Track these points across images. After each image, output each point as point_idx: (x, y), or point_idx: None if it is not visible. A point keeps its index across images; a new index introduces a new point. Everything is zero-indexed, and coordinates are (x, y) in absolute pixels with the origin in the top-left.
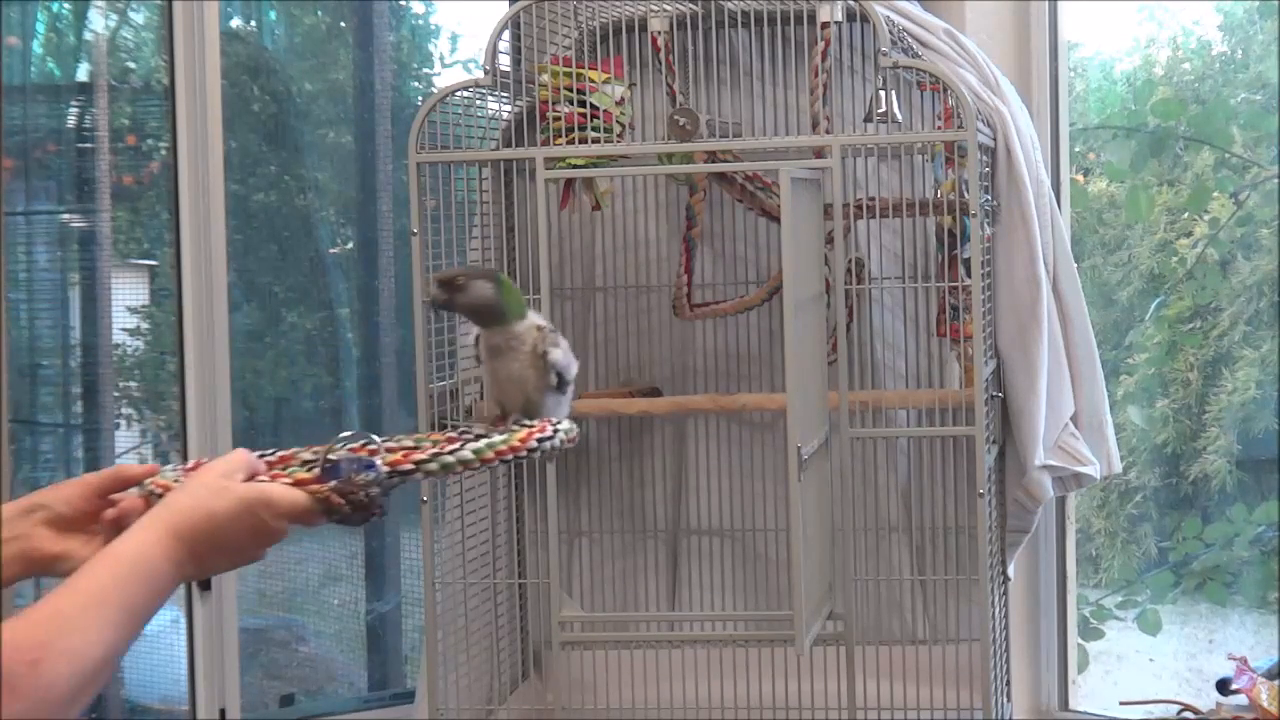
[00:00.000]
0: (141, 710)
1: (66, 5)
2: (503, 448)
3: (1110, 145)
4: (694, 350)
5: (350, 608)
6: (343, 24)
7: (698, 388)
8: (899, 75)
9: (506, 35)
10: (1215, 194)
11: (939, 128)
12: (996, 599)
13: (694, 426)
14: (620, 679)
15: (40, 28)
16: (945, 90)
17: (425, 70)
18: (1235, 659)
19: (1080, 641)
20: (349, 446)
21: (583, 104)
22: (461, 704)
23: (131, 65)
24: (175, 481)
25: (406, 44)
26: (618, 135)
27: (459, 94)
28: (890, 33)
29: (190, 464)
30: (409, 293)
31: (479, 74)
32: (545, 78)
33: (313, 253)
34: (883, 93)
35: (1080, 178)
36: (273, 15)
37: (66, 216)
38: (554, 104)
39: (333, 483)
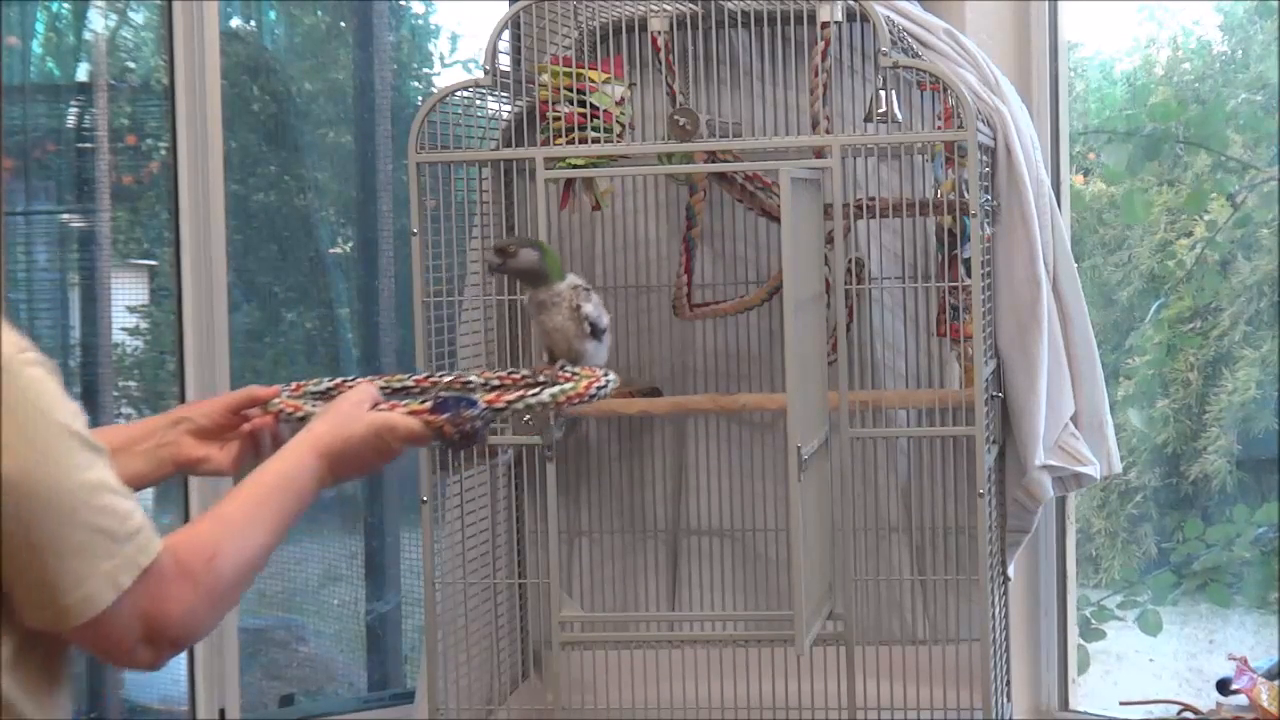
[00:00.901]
0: (141, 710)
1: (66, 5)
2: (571, 393)
3: (1108, 148)
4: (694, 350)
5: (350, 608)
6: (343, 24)
7: (698, 388)
8: (899, 75)
9: (506, 35)
10: (1214, 195)
11: (939, 128)
12: (996, 599)
13: (694, 426)
14: (620, 679)
15: (40, 27)
16: (945, 90)
17: (425, 70)
18: (1235, 659)
19: (1081, 642)
20: (446, 380)
21: (583, 104)
22: (461, 704)
23: (131, 65)
24: (304, 402)
25: (406, 44)
26: (618, 135)
27: (459, 94)
28: (890, 33)
29: (293, 386)
30: (409, 293)
31: (479, 74)
32: (545, 78)
33: (313, 253)
34: (883, 93)
35: (1080, 178)
36: (273, 15)
37: (66, 216)
38: (554, 104)
39: (446, 415)
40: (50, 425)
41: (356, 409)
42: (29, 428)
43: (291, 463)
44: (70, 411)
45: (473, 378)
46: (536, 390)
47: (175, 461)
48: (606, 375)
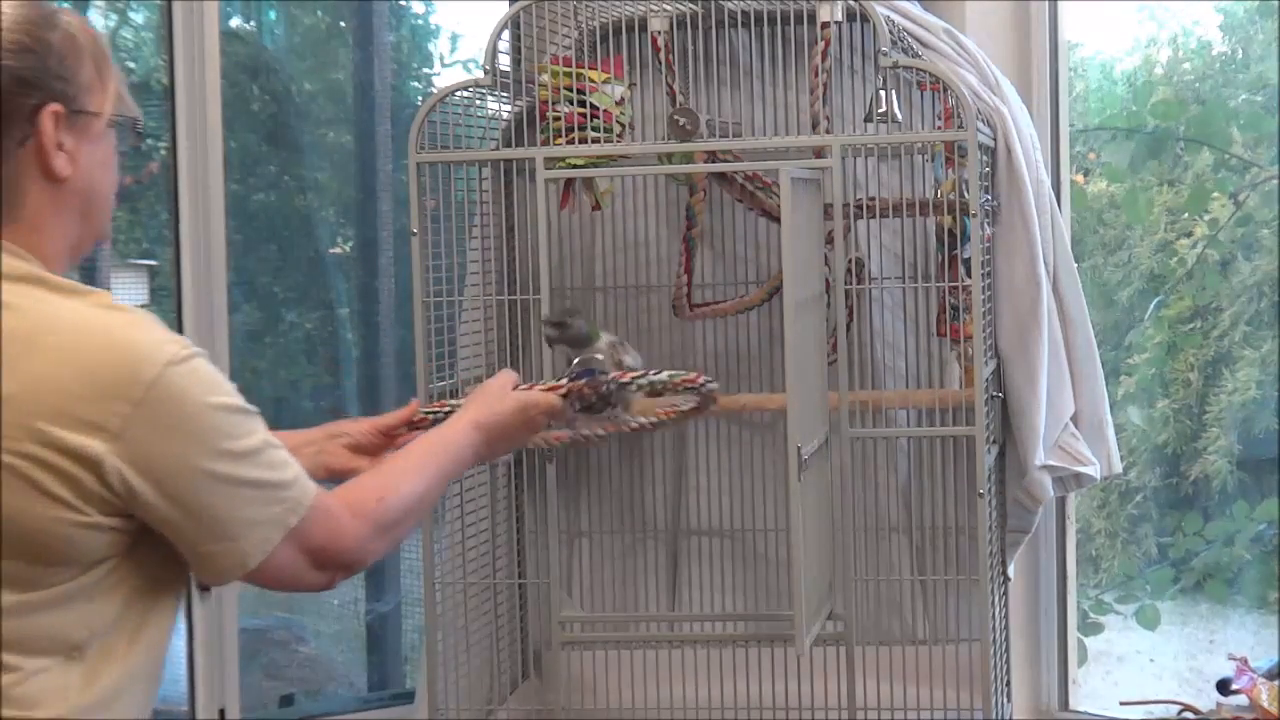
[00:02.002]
0: None
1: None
2: (687, 377)
3: (1109, 146)
4: (694, 350)
5: (350, 608)
6: (343, 24)
7: None
8: (899, 75)
9: (506, 35)
10: (1215, 194)
11: (939, 128)
12: (996, 599)
13: (694, 427)
14: (620, 679)
15: None
16: (945, 90)
17: (425, 70)
18: (1235, 659)
19: (1079, 636)
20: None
21: (583, 104)
22: (461, 704)
23: (131, 65)
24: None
25: (406, 44)
26: (618, 135)
27: (459, 94)
28: (890, 33)
29: (435, 404)
30: (409, 293)
31: (479, 74)
32: (545, 78)
33: (313, 253)
34: (883, 93)
35: (1080, 178)
36: (273, 15)
37: None
38: (554, 104)
39: (583, 379)
40: (207, 415)
41: (502, 390)
42: (190, 428)
43: (452, 432)
44: (221, 388)
45: (562, 381)
46: (656, 371)
47: (328, 468)
48: (709, 380)
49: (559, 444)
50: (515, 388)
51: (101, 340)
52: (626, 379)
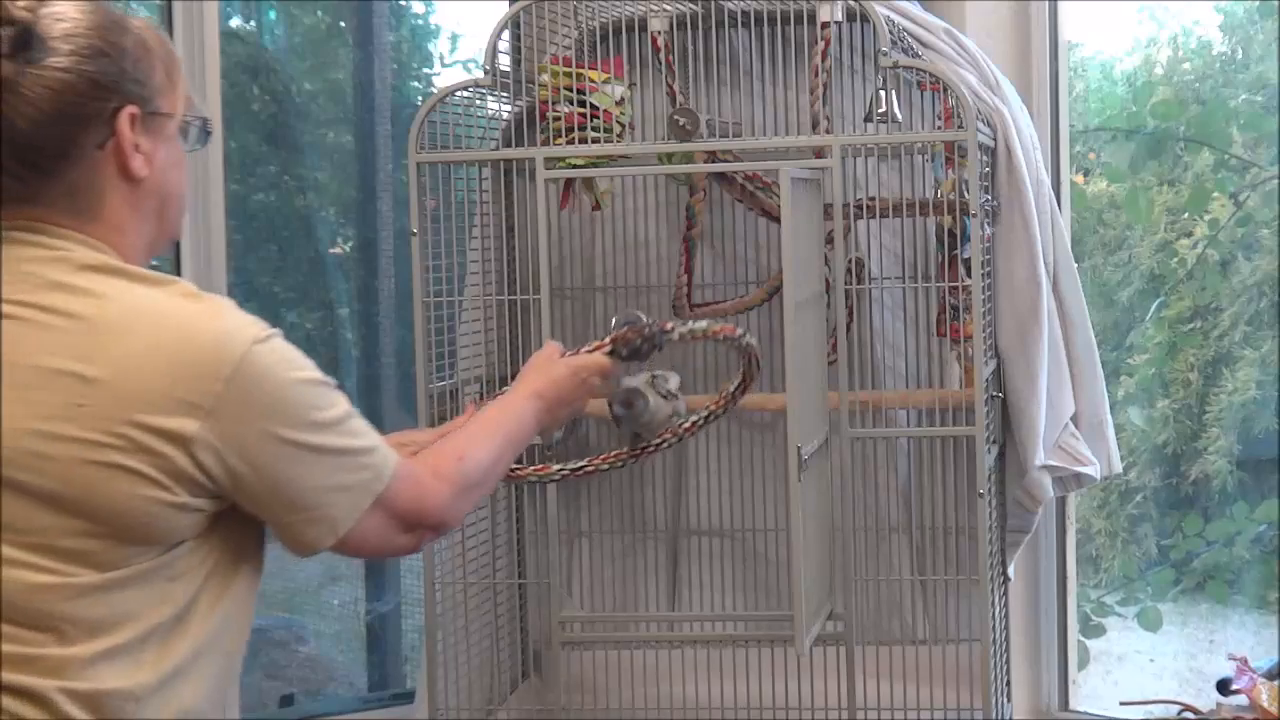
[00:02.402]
0: None
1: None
2: (725, 326)
3: (1109, 147)
4: (694, 350)
5: (350, 608)
6: (343, 24)
7: (698, 388)
8: (899, 75)
9: (506, 35)
10: (1215, 194)
11: (939, 128)
12: (996, 599)
13: None
14: (620, 679)
15: None
16: (945, 90)
17: (425, 70)
18: (1235, 659)
19: (1081, 638)
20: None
21: (583, 104)
22: (461, 704)
23: None
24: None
25: (406, 44)
26: (618, 135)
27: (459, 94)
28: (890, 33)
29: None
30: (409, 293)
31: (479, 74)
32: (545, 78)
33: (313, 253)
34: (883, 93)
35: (1080, 178)
36: (273, 15)
37: None
38: (554, 104)
39: (624, 327)
40: (292, 389)
41: (551, 359)
42: (277, 401)
43: (512, 402)
44: (302, 363)
45: (605, 341)
46: (693, 318)
47: None
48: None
49: (614, 464)
50: (562, 355)
51: (188, 327)
52: (668, 326)
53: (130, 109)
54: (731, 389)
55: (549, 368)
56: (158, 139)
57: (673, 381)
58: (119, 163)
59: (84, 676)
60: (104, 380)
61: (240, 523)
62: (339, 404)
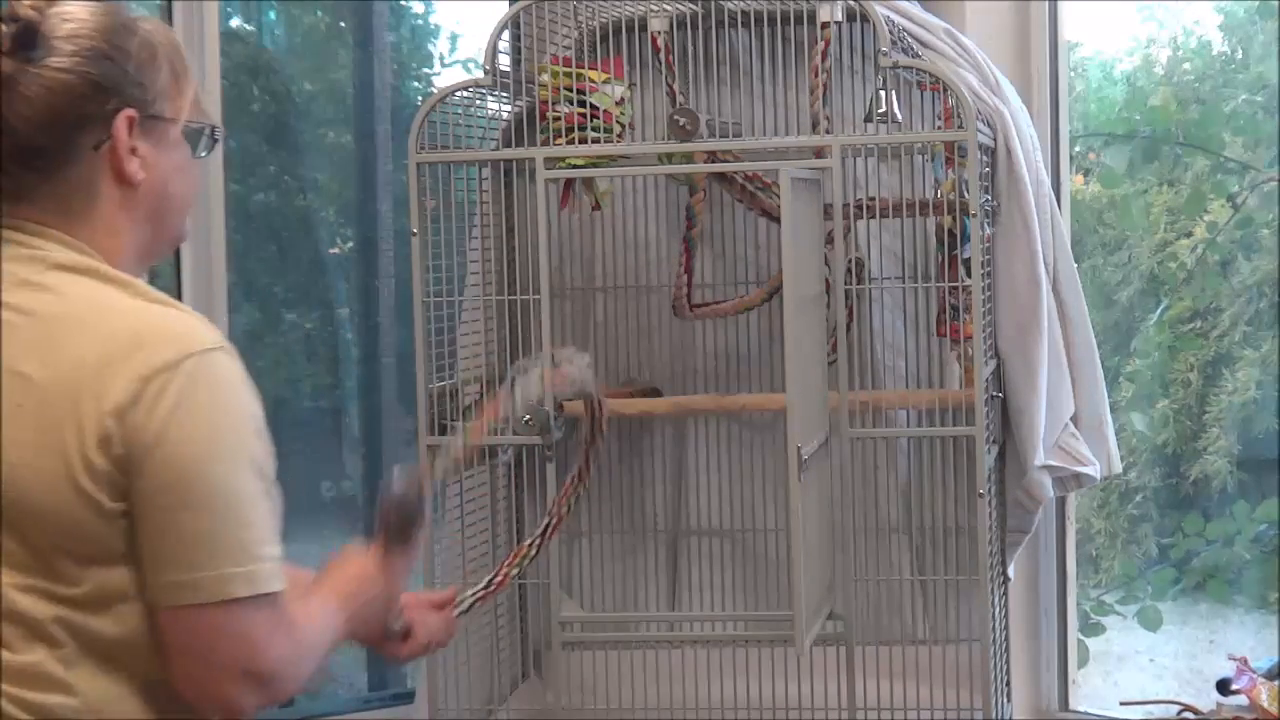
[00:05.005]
0: None
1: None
2: (478, 422)
3: (1107, 151)
4: (694, 350)
5: None
6: (343, 24)
7: (698, 388)
8: (899, 75)
9: (506, 35)
10: (1214, 195)
11: (939, 128)
12: (996, 599)
13: (694, 426)
14: (620, 679)
15: None
16: (945, 90)
17: (425, 70)
18: (1235, 659)
19: (1080, 637)
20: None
21: (583, 104)
22: (461, 704)
23: None
24: None
25: (406, 44)
26: (618, 135)
27: (459, 94)
28: (890, 33)
29: None
30: (409, 293)
31: (479, 74)
32: (545, 78)
33: (313, 253)
34: (883, 93)
35: (1080, 179)
36: (273, 15)
37: None
38: (554, 104)
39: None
40: (226, 411)
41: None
42: (205, 416)
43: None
44: (250, 399)
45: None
46: (456, 431)
47: None
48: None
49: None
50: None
51: (131, 321)
52: (416, 484)
53: (128, 112)
54: (584, 446)
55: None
56: (159, 144)
57: (566, 358)
58: (114, 166)
59: (42, 690)
60: (42, 381)
61: None
62: (266, 473)
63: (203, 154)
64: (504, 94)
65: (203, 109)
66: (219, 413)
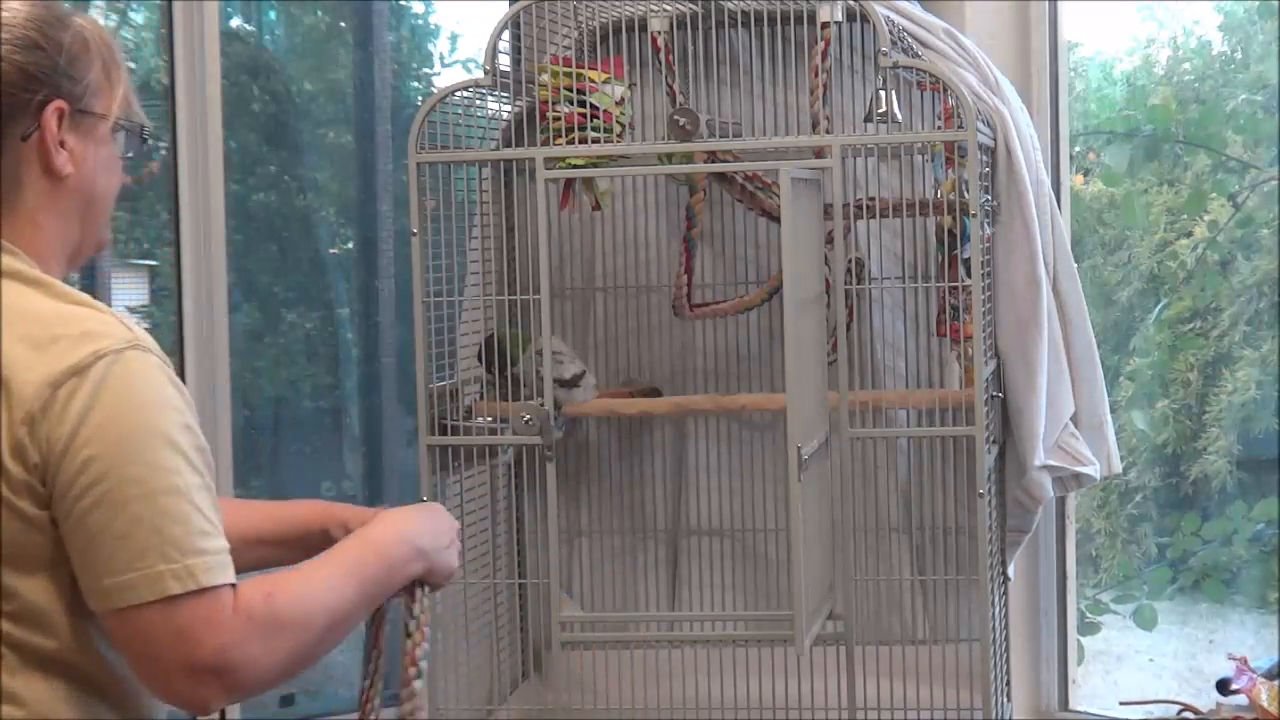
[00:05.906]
0: None
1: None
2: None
3: (1107, 150)
4: (694, 350)
5: None
6: (343, 24)
7: (698, 388)
8: (899, 75)
9: (506, 35)
10: (1214, 195)
11: (939, 128)
12: (996, 599)
13: (694, 426)
14: (620, 679)
15: None
16: (945, 90)
17: (425, 70)
18: (1235, 659)
19: (1077, 637)
20: None
21: (583, 104)
22: (461, 704)
23: (131, 65)
24: None
25: (406, 44)
26: (618, 135)
27: (459, 94)
28: (890, 33)
29: None
30: (409, 293)
31: (479, 74)
32: (545, 78)
33: (313, 253)
34: (883, 93)
35: (1080, 179)
36: (273, 15)
37: None
38: (554, 104)
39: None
40: (143, 409)
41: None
42: (120, 417)
43: (379, 537)
44: (176, 421)
45: None
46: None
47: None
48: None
49: None
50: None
51: (45, 324)
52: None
53: (58, 103)
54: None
55: (434, 517)
56: (88, 139)
57: (567, 369)
58: (42, 157)
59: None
60: None
61: None
62: (187, 478)
63: (130, 153)
64: (504, 94)
65: (134, 108)
66: (131, 412)
